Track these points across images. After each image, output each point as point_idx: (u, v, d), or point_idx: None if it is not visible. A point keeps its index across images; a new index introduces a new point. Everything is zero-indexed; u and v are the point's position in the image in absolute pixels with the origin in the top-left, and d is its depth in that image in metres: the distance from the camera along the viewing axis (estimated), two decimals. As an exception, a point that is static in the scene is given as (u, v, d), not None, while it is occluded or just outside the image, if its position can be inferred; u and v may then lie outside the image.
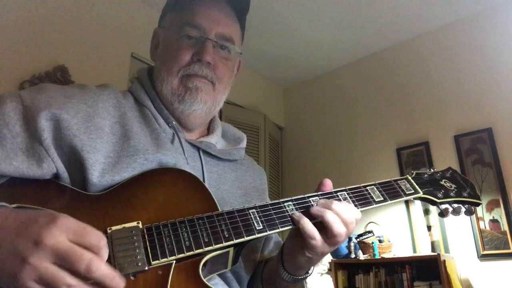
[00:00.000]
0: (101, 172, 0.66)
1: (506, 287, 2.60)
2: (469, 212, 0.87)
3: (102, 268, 0.48)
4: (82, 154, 0.65)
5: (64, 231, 0.48)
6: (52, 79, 2.41)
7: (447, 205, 0.86)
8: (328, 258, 3.07)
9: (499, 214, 2.75)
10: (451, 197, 0.86)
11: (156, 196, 0.66)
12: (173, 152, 0.77)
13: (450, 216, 0.86)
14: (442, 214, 0.86)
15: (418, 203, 3.05)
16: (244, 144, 0.98)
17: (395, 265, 2.92)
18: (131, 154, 0.70)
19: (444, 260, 2.63)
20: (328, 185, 0.76)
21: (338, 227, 0.66)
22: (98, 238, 0.50)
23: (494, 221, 2.76)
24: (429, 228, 2.95)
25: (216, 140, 0.92)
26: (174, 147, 0.79)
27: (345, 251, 3.18)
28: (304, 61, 3.94)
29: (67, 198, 0.64)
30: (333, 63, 3.99)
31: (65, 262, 0.47)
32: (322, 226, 0.67)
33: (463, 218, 2.74)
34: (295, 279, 0.76)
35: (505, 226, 2.72)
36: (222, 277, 0.76)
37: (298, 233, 0.68)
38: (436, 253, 2.73)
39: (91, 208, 0.62)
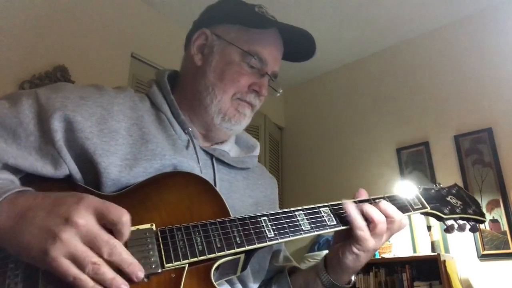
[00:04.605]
0: (117, 175, 0.66)
1: (506, 287, 2.61)
2: (473, 230, 0.88)
3: (122, 254, 0.52)
4: (94, 157, 0.65)
5: (91, 209, 0.52)
6: (52, 79, 2.40)
7: (452, 221, 0.87)
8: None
9: (499, 214, 2.76)
10: (457, 213, 0.87)
11: (168, 198, 0.66)
12: (189, 159, 0.77)
13: (455, 232, 0.88)
14: (448, 230, 0.87)
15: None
16: (257, 152, 0.98)
17: (395, 265, 2.92)
18: (148, 158, 0.70)
19: (444, 260, 2.64)
20: (364, 194, 0.80)
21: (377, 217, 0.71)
22: (121, 214, 0.53)
23: (494, 221, 2.77)
24: (429, 228, 2.95)
25: (229, 148, 0.92)
26: (189, 154, 0.80)
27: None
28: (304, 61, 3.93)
29: None
30: (333, 63, 3.99)
31: (91, 244, 0.50)
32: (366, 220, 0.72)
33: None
34: (333, 284, 0.78)
35: (505, 226, 2.73)
36: (230, 283, 0.76)
37: (343, 236, 0.75)
38: (436, 253, 2.73)
39: None
